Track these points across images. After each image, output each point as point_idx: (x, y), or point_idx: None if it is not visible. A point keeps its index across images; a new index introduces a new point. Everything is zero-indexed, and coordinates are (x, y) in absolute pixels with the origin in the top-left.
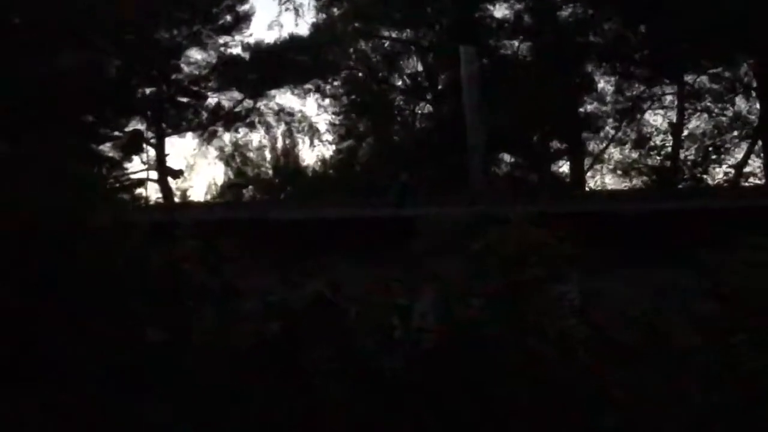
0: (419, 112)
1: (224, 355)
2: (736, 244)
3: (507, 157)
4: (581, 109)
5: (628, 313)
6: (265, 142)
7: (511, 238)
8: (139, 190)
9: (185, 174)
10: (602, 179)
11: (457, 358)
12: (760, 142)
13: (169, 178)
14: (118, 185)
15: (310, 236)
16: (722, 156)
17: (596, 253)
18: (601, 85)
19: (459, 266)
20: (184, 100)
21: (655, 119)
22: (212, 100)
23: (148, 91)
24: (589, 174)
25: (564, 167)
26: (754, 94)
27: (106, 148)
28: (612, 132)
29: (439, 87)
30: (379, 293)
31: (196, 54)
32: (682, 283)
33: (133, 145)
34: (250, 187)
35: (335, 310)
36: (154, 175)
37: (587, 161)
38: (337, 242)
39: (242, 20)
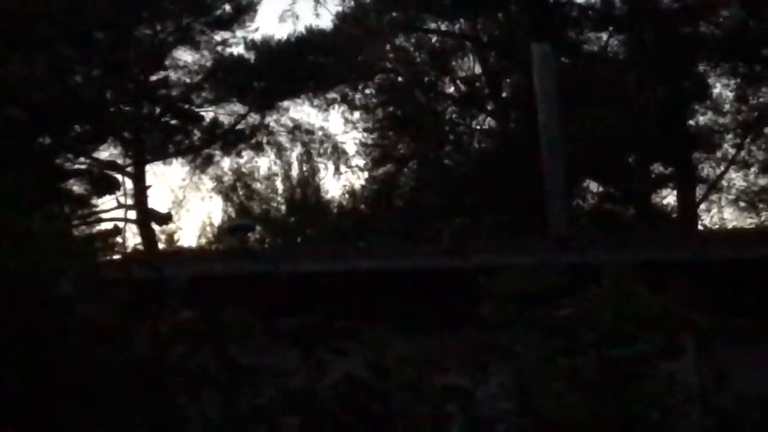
0: (478, 127)
1: None
2: None
3: (594, 186)
4: (691, 122)
5: None
6: (277, 169)
7: (610, 300)
8: (114, 239)
9: (173, 216)
10: (720, 213)
11: None
12: None
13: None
14: (87, 234)
15: (339, 296)
16: None
17: (714, 316)
18: (716, 90)
19: (539, 337)
20: (170, 118)
21: None
22: (207, 114)
23: (123, 107)
24: (702, 207)
25: (669, 198)
26: None
27: (69, 183)
28: (732, 152)
29: (504, 95)
30: (433, 374)
31: (185, 55)
32: None
33: (105, 181)
34: (258, 229)
35: (375, 398)
36: (131, 215)
37: (700, 190)
38: (373, 304)
39: (245, 11)
